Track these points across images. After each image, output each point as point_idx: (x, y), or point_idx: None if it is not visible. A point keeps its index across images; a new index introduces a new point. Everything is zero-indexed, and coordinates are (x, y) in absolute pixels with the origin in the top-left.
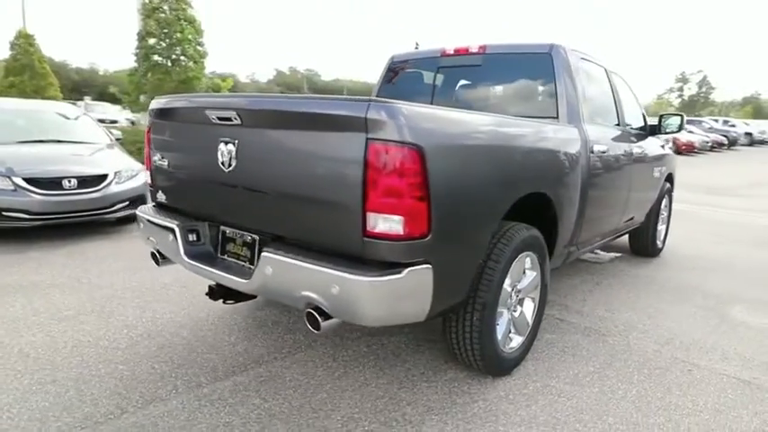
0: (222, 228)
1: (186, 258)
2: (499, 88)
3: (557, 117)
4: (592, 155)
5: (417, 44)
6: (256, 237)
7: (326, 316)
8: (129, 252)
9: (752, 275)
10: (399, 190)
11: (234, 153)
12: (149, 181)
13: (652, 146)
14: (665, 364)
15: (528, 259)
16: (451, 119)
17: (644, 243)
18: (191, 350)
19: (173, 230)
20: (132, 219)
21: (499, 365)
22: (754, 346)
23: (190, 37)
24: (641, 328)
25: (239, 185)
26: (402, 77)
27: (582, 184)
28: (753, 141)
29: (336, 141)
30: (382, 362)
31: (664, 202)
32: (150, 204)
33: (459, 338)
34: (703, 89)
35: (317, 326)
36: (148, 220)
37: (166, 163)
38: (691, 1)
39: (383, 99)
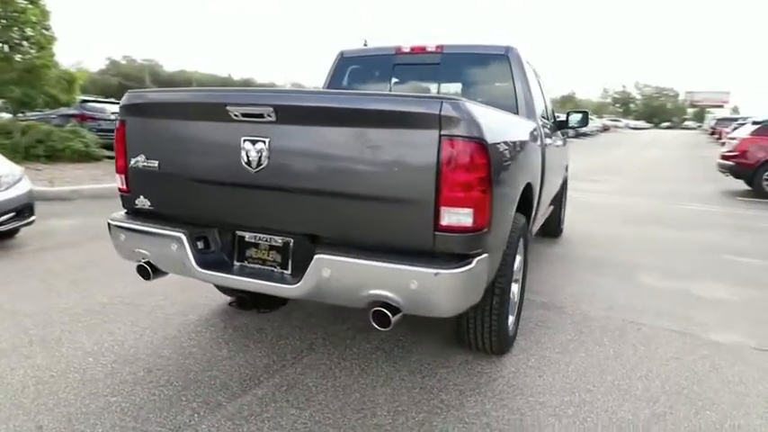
0: (239, 233)
1: (199, 268)
2: (458, 86)
3: (517, 113)
4: (545, 147)
5: (366, 41)
6: (290, 239)
7: (394, 312)
8: (33, 270)
9: (637, 247)
10: (470, 184)
11: (265, 152)
12: (123, 186)
13: (562, 139)
14: (620, 326)
15: (520, 244)
16: (495, 116)
17: (554, 225)
18: (185, 370)
19: (178, 239)
20: (13, 232)
21: (507, 344)
22: (672, 304)
23: (33, 19)
24: (586, 299)
25: (270, 186)
26: (354, 74)
27: (541, 173)
28: (578, 134)
29: (405, 138)
30: (392, 356)
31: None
32: (122, 213)
33: (479, 322)
34: None
35: (386, 324)
36: (138, 230)
37: (155, 165)
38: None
39: (453, 97)
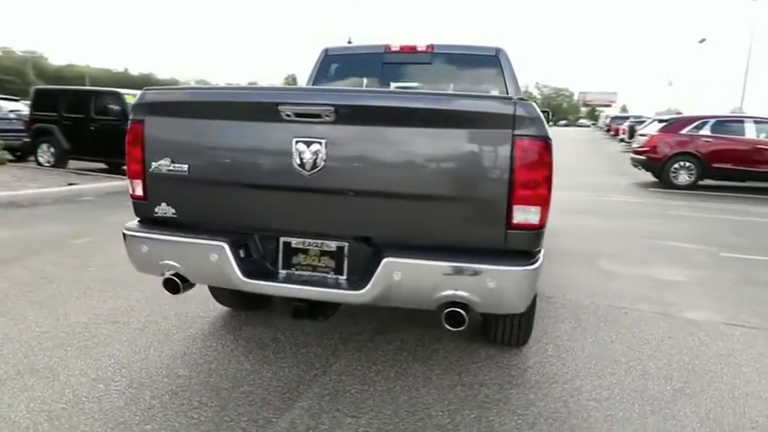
0: (284, 239)
1: (245, 278)
2: (450, 86)
3: None
4: None
5: (350, 39)
6: (345, 244)
7: (467, 312)
8: None
9: (587, 236)
10: (538, 182)
11: (321, 154)
12: (139, 192)
13: None
14: (609, 312)
15: None
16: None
17: None
18: (214, 388)
19: (219, 248)
20: None
21: (529, 336)
22: (642, 288)
23: None
24: (569, 288)
25: (326, 189)
26: (340, 72)
27: None
28: None
29: (476, 138)
30: (419, 355)
31: None
32: (135, 222)
33: (515, 317)
34: None
35: (461, 324)
36: (168, 240)
37: (184, 169)
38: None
39: (521, 97)
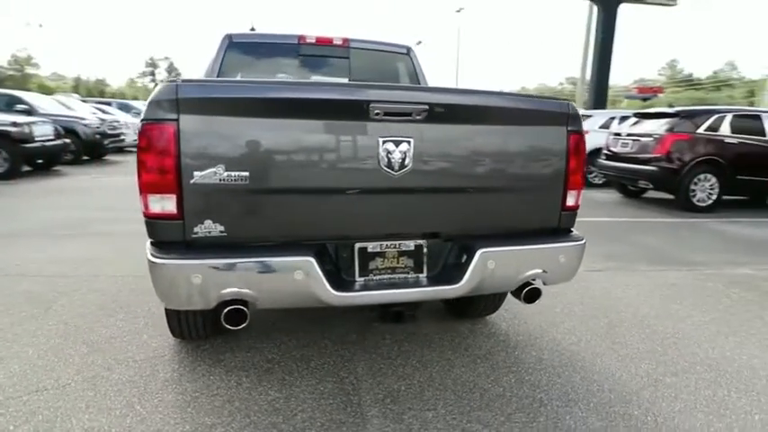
0: (359, 245)
1: (336, 292)
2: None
3: None
4: None
5: (253, 27)
6: (422, 242)
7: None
8: None
9: None
10: (581, 169)
11: (410, 152)
12: (169, 210)
13: None
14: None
15: None
16: None
17: None
18: (262, 427)
19: (307, 264)
20: None
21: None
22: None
23: None
24: None
25: (412, 188)
26: (247, 61)
27: None
28: None
29: (540, 133)
30: (437, 344)
31: None
32: (155, 248)
33: None
34: (173, 73)
35: (537, 297)
36: (237, 264)
37: (244, 177)
38: None
39: (566, 98)
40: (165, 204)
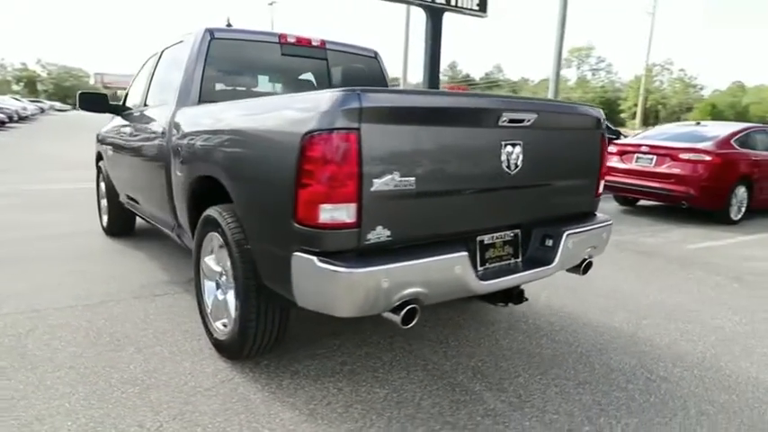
0: (479, 237)
1: (483, 281)
2: (339, 81)
3: None
4: None
5: (230, 22)
6: (517, 231)
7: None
8: None
9: None
10: (606, 163)
11: (520, 154)
12: (348, 219)
13: None
14: None
15: None
16: None
17: None
18: None
19: (463, 258)
20: None
21: None
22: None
23: None
24: None
25: (520, 186)
26: (231, 59)
27: None
28: (20, 117)
29: (587, 135)
30: (475, 327)
31: None
32: (327, 259)
33: None
34: None
35: (590, 269)
36: (416, 265)
37: (411, 182)
38: None
39: (594, 104)
40: (341, 213)
